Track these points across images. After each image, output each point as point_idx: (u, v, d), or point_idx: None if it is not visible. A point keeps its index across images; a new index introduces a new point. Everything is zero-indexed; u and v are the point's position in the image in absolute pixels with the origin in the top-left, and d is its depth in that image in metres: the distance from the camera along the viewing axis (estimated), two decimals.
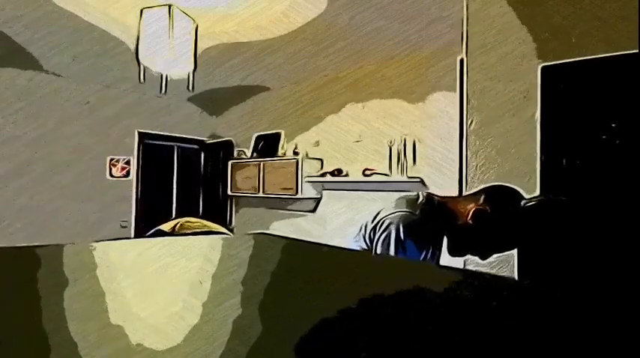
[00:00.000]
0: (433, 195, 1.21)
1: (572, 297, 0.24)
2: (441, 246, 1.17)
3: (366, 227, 1.17)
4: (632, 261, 1.22)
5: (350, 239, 1.25)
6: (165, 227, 0.78)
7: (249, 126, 4.95)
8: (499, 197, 1.12)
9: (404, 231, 1.06)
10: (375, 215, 1.17)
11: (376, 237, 1.11)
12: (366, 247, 1.15)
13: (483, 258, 1.16)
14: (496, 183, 1.39)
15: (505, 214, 1.08)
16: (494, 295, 0.25)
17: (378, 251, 1.08)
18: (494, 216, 1.07)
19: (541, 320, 0.20)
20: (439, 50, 3.18)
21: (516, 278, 1.48)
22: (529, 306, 0.23)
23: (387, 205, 1.18)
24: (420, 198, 1.17)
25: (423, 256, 1.10)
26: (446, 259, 1.22)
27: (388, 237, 1.08)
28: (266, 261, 0.34)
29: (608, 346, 0.17)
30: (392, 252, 1.05)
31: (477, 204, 1.09)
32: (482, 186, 1.26)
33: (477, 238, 1.10)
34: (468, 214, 1.08)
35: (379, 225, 1.12)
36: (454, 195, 1.42)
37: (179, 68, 2.55)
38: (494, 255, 1.20)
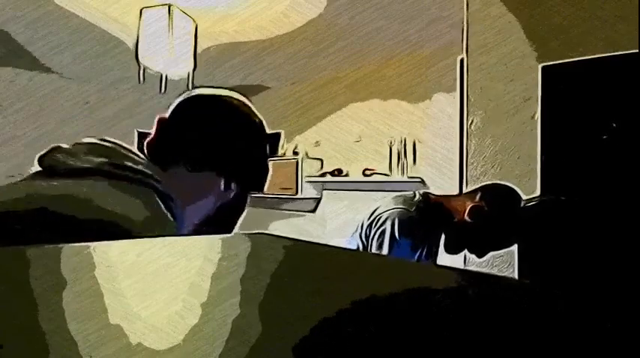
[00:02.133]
0: (430, 193, 1.21)
1: (573, 297, 0.24)
2: (437, 243, 1.17)
3: (362, 225, 1.18)
4: (633, 261, 1.22)
5: (347, 238, 1.25)
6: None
7: None
8: (496, 195, 1.13)
9: (399, 228, 1.06)
10: (371, 213, 1.17)
11: (371, 234, 1.11)
12: (362, 246, 1.15)
13: (480, 255, 1.16)
14: (493, 182, 1.39)
15: (502, 212, 1.09)
16: (495, 295, 0.25)
17: (373, 248, 1.08)
18: (491, 214, 1.07)
19: (541, 320, 0.20)
20: (439, 50, 3.17)
21: (516, 278, 1.48)
22: (529, 306, 0.23)
23: (383, 203, 1.18)
24: (417, 196, 1.17)
25: (418, 253, 1.10)
26: (446, 258, 1.23)
27: (383, 233, 1.08)
28: (266, 261, 0.34)
29: (609, 346, 0.17)
30: (386, 248, 1.05)
31: (474, 201, 1.10)
32: (479, 185, 1.26)
33: (474, 235, 1.11)
34: (465, 211, 1.09)
35: (374, 222, 1.12)
36: (452, 194, 1.42)
37: (179, 68, 2.55)
38: (491, 253, 1.20)
